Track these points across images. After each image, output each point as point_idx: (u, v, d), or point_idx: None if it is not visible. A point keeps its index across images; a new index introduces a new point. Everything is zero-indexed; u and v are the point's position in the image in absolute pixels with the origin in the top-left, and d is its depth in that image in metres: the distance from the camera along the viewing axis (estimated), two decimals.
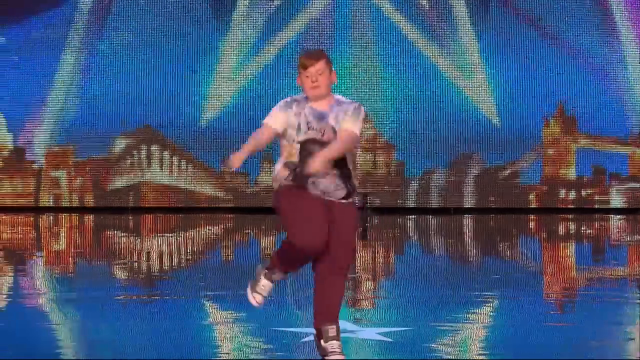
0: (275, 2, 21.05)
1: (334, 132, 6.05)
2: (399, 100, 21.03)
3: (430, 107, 21.00)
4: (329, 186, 6.07)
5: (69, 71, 21.04)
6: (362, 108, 6.16)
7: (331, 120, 6.07)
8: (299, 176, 6.05)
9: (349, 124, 6.08)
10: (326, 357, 6.06)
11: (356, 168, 6.22)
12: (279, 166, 6.14)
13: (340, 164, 6.06)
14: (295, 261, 6.18)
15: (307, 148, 6.04)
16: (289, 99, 6.16)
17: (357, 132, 6.08)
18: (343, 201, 6.09)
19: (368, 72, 21.02)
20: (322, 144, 6.02)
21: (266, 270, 6.27)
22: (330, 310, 6.13)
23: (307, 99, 6.12)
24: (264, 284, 6.28)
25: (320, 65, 6.07)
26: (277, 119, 6.08)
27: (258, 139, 6.05)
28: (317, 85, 6.05)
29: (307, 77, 6.07)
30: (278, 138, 6.12)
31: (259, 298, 6.28)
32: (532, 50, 20.94)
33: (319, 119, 6.08)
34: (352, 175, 6.14)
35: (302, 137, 6.06)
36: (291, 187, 6.10)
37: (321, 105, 6.10)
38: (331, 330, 6.10)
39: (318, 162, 5.92)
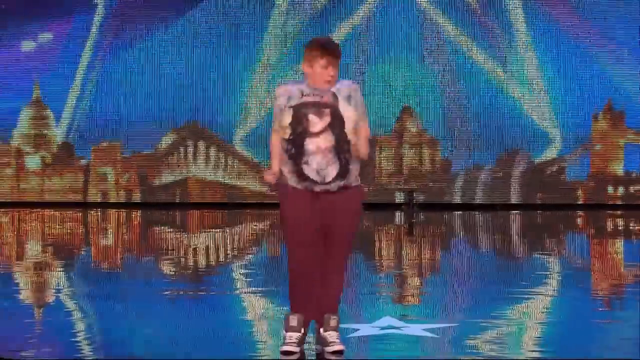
0: (320, 2, 21.06)
1: (335, 97, 5.97)
2: (445, 96, 20.96)
3: (475, 103, 20.91)
4: (322, 162, 5.94)
5: (116, 68, 21.17)
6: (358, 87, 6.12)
7: (332, 88, 6.00)
8: (295, 155, 5.96)
9: (364, 122, 6.04)
10: (326, 348, 6.09)
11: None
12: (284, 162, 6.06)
13: (339, 137, 5.96)
14: (293, 289, 6.09)
15: (302, 111, 5.94)
16: (283, 93, 6.04)
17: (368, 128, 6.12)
18: (334, 187, 5.95)
19: (413, 69, 20.98)
20: (320, 106, 5.94)
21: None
22: (331, 302, 6.14)
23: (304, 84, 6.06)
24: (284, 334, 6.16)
25: (339, 61, 6.02)
26: (283, 118, 6.01)
27: (278, 148, 6.03)
28: (331, 80, 6.00)
29: (324, 68, 5.97)
30: None
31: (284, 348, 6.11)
32: (579, 46, 20.78)
33: (316, 88, 6.00)
34: (349, 148, 5.98)
35: (295, 102, 5.98)
36: (287, 190, 6.01)
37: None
38: (332, 320, 6.12)
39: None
